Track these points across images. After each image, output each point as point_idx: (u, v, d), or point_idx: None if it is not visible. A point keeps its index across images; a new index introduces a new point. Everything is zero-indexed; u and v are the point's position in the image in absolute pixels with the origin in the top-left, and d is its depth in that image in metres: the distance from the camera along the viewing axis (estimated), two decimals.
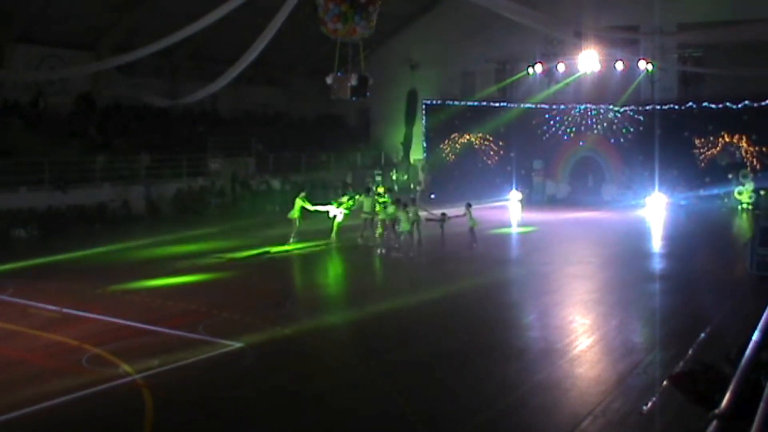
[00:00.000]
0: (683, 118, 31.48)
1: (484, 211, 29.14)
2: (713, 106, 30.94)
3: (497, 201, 32.93)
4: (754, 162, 30.50)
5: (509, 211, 30.84)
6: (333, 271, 18.85)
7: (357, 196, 21.76)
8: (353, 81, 16.21)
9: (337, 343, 11.44)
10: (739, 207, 29.48)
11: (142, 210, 27.29)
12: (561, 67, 32.19)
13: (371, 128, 41.10)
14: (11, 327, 12.07)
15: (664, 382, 8.52)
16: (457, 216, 20.55)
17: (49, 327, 12.01)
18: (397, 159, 38.97)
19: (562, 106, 33.86)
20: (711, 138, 31.30)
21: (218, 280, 16.40)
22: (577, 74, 31.78)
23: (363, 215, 20.87)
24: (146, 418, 8.26)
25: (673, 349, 10.63)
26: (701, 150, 31.54)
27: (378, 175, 36.72)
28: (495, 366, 10.22)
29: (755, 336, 5.57)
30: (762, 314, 6.03)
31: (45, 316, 12.73)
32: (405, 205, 20.09)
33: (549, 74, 32.88)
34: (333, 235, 20.83)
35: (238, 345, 10.90)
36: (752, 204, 28.67)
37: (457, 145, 36.43)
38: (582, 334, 11.80)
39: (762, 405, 4.28)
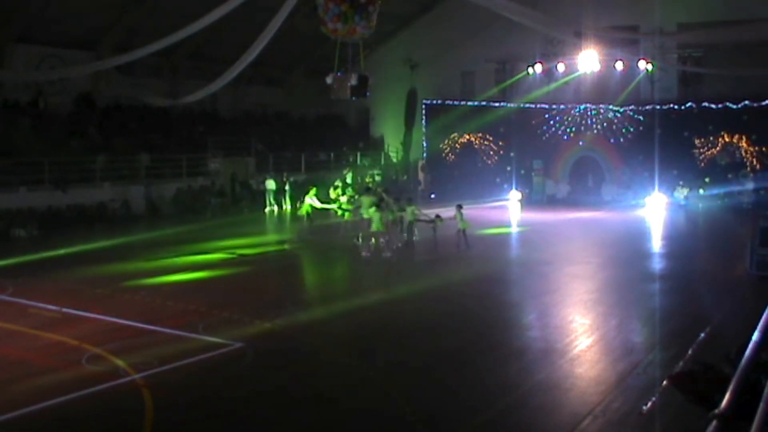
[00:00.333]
0: (683, 118, 31.50)
1: (484, 211, 29.24)
2: (713, 106, 30.96)
3: (497, 201, 33.00)
4: (754, 162, 30.52)
5: (509, 211, 30.86)
6: (331, 271, 18.85)
7: (356, 197, 21.88)
8: (353, 81, 16.18)
9: (337, 343, 11.43)
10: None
11: (142, 210, 27.32)
12: (561, 67, 32.23)
13: (371, 128, 41.11)
14: (11, 327, 12.07)
15: (664, 382, 8.51)
16: (451, 218, 20.30)
17: (49, 327, 12.01)
18: (386, 159, 38.79)
19: (562, 106, 33.87)
20: (711, 138, 31.33)
21: (218, 279, 16.40)
22: (577, 73, 31.80)
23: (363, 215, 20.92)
24: (146, 418, 8.25)
25: (673, 349, 10.62)
26: (701, 150, 31.56)
27: (378, 174, 36.74)
28: (495, 366, 10.22)
29: (755, 336, 5.57)
30: (762, 314, 6.02)
31: (45, 316, 12.73)
32: (383, 202, 19.75)
33: (549, 74, 32.91)
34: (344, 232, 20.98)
35: (238, 345, 10.90)
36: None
37: (457, 145, 36.46)
38: (582, 334, 11.80)
39: (762, 405, 4.28)
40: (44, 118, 28.01)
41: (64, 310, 13.06)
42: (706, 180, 30.75)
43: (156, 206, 27.87)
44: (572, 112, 33.86)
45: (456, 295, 14.92)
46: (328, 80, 16.45)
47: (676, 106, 31.71)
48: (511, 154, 34.91)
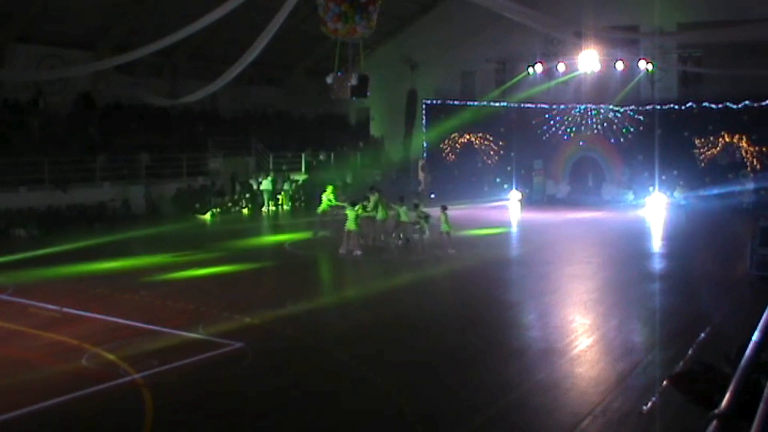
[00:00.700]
0: (683, 118, 31.47)
1: (485, 211, 29.25)
2: (713, 106, 30.93)
3: (497, 201, 32.99)
4: (754, 162, 30.51)
5: (509, 211, 30.85)
6: (330, 272, 18.85)
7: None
8: (353, 80, 16.21)
9: (336, 342, 11.43)
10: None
11: (142, 209, 27.32)
12: (561, 67, 32.20)
13: (371, 128, 41.09)
14: (11, 326, 12.06)
15: (664, 382, 8.51)
16: (437, 219, 19.76)
17: (49, 326, 12.00)
18: (385, 160, 38.73)
19: (562, 106, 33.85)
20: (711, 138, 31.29)
21: (219, 279, 16.40)
22: (576, 72, 31.81)
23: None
24: (146, 418, 8.25)
25: (673, 349, 10.62)
26: (701, 150, 31.55)
27: (377, 175, 36.68)
28: (495, 366, 10.23)
29: (755, 336, 5.56)
30: (762, 314, 6.01)
31: (45, 316, 12.73)
32: (367, 201, 19.77)
33: (549, 74, 32.89)
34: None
35: (238, 345, 10.89)
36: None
37: (457, 145, 36.44)
38: (582, 334, 11.80)
39: (762, 405, 4.27)
40: (44, 118, 28.01)
41: (65, 309, 13.06)
42: (706, 180, 30.76)
43: (156, 206, 27.88)
44: (572, 112, 33.83)
45: (456, 295, 14.91)
46: (328, 80, 16.48)
47: (676, 106, 31.68)
48: (512, 154, 34.87)
